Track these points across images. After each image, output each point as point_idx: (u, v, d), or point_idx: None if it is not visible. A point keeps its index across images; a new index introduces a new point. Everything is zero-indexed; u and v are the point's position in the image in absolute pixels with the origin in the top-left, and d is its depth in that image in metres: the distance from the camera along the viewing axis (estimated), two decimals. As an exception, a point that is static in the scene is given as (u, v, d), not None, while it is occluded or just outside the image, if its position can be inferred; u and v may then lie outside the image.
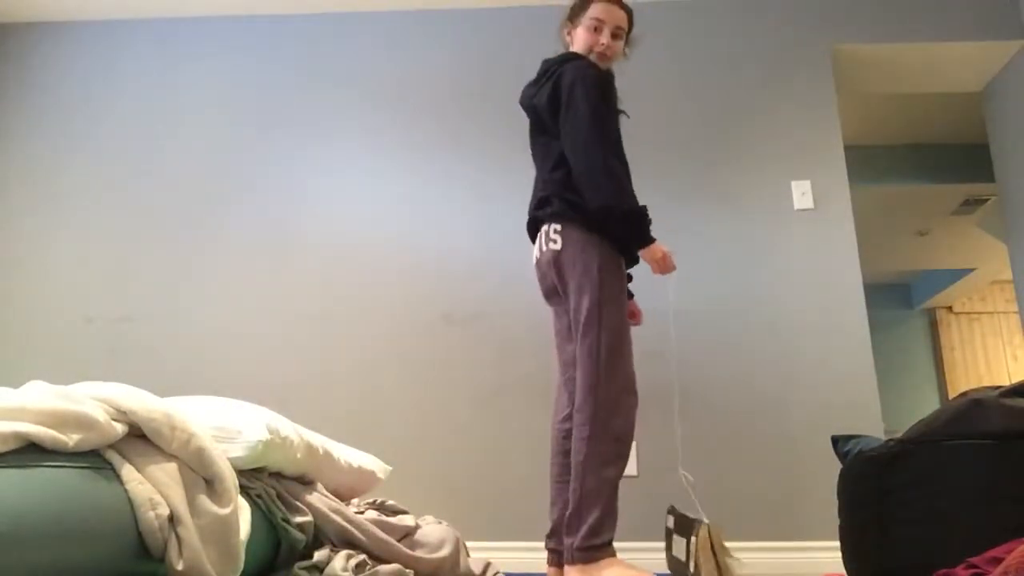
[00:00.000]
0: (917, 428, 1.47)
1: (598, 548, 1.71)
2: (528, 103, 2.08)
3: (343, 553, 1.33)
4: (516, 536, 2.63)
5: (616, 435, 1.78)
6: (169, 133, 3.26)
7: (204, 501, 1.01)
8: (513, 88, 2.29)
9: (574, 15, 2.09)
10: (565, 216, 1.90)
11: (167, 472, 0.99)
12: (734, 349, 2.79)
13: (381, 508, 1.71)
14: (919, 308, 6.98)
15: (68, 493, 0.86)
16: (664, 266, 1.92)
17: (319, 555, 1.31)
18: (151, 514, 0.93)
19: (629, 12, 2.09)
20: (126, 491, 0.93)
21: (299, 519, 1.32)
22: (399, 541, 1.49)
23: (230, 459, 1.15)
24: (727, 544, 1.78)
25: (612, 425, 1.78)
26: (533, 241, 2.04)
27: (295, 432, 1.41)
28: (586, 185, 1.85)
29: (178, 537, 0.95)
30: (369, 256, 3.03)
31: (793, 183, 2.95)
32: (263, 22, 3.38)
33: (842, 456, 1.65)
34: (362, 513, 1.56)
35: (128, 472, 0.95)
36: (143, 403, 1.04)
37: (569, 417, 1.94)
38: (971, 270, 6.20)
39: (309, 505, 1.38)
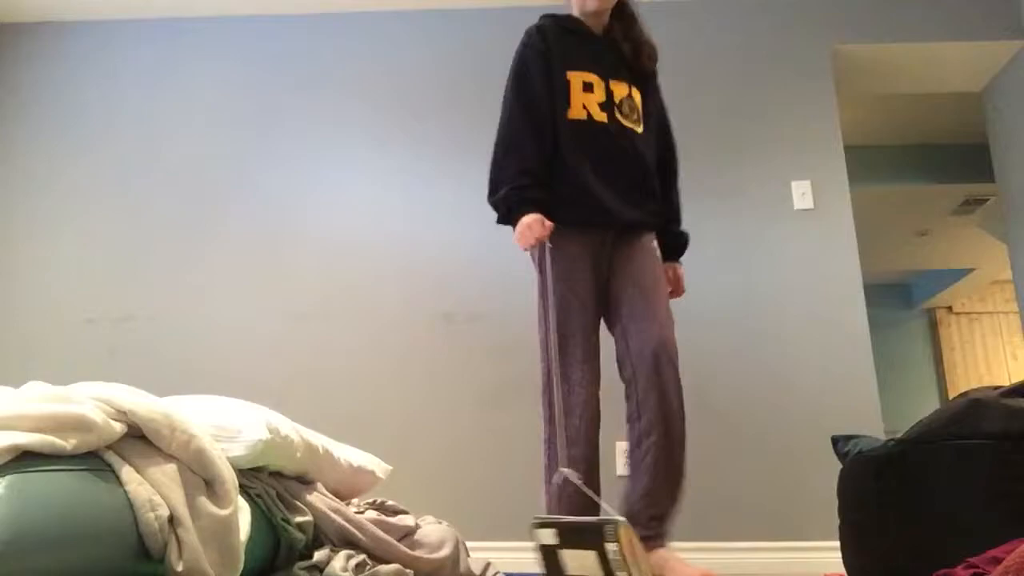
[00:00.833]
0: (917, 428, 1.47)
1: None
2: None
3: (343, 553, 1.33)
4: (516, 536, 2.63)
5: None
6: (169, 133, 3.25)
7: (204, 502, 1.01)
8: (513, 88, 2.28)
9: None
10: None
11: (167, 473, 0.99)
12: (734, 348, 2.79)
13: (381, 508, 1.71)
14: (919, 308, 6.98)
15: (68, 497, 0.86)
16: (523, 239, 1.81)
17: (319, 555, 1.31)
18: (151, 515, 0.93)
19: None
20: (126, 492, 0.93)
21: (299, 519, 1.31)
22: (399, 541, 1.49)
23: (230, 458, 1.15)
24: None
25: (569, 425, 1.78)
26: None
27: (295, 431, 1.41)
28: None
29: (178, 538, 0.94)
30: (369, 256, 3.03)
31: (793, 183, 2.95)
32: (263, 22, 3.38)
33: (842, 456, 1.65)
34: (362, 513, 1.56)
35: (128, 473, 0.95)
36: (143, 403, 1.04)
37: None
38: (971, 270, 6.20)
39: (309, 505, 1.38)
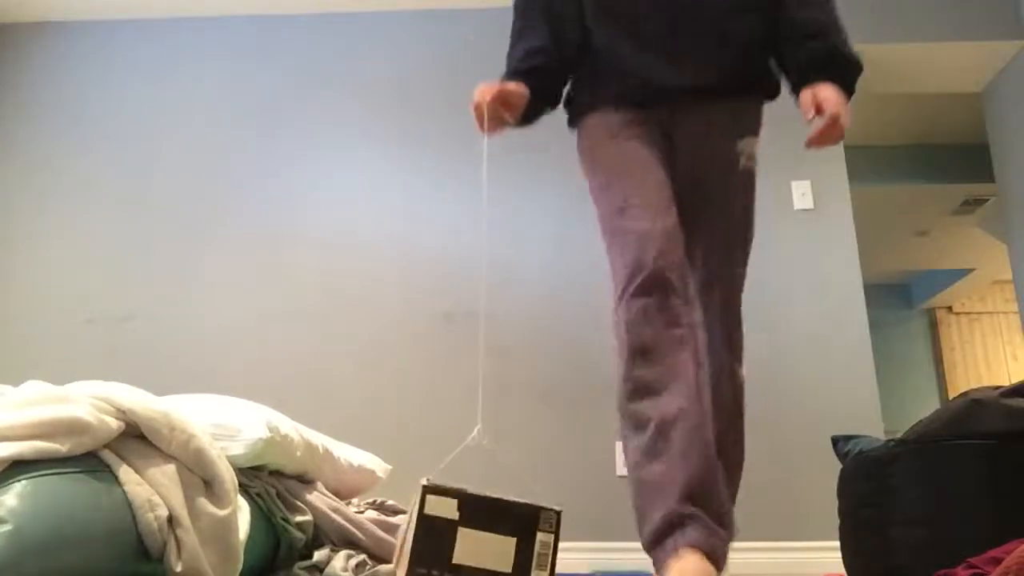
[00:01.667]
0: (917, 428, 1.47)
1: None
2: None
3: (343, 553, 1.33)
4: (516, 536, 2.63)
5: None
6: (168, 133, 3.25)
7: (203, 502, 1.01)
8: (513, 88, 2.28)
9: None
10: None
11: (166, 473, 0.99)
12: (734, 349, 2.79)
13: (381, 508, 1.71)
14: (919, 308, 6.97)
15: (67, 500, 0.86)
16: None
17: (319, 555, 1.31)
18: (150, 516, 0.93)
19: None
20: (124, 493, 0.93)
21: (299, 518, 1.31)
22: (399, 541, 1.48)
23: (230, 457, 1.15)
24: None
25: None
26: None
27: (295, 430, 1.41)
28: None
29: (177, 539, 0.94)
30: (369, 255, 3.03)
31: (793, 183, 2.95)
32: (262, 22, 3.38)
33: (842, 456, 1.65)
34: (362, 512, 1.56)
35: (126, 473, 0.95)
36: (142, 402, 1.03)
37: None
38: (971, 270, 6.19)
39: (309, 504, 1.38)
